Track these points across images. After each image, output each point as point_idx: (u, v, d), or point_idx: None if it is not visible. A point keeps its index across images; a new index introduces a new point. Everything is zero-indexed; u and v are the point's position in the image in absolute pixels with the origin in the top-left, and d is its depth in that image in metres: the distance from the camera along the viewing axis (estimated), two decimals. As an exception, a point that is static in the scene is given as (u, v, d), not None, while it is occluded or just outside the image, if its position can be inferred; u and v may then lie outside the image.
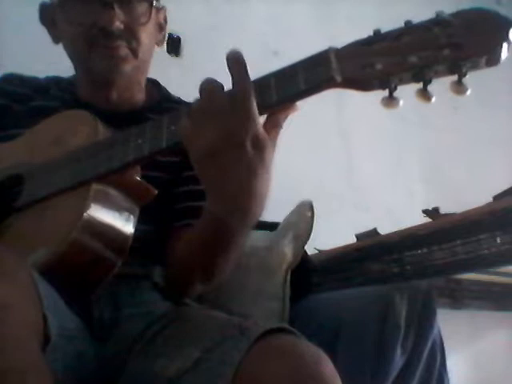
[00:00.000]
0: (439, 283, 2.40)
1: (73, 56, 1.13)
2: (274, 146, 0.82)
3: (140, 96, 1.17)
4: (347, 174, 2.57)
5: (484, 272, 2.35)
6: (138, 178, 0.93)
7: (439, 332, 1.30)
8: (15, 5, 1.88)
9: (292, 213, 1.54)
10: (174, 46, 2.27)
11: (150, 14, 1.10)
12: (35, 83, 1.19)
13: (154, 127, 0.87)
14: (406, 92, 0.73)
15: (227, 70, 0.80)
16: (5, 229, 0.95)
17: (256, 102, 0.77)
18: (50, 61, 1.25)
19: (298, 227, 1.50)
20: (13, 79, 1.19)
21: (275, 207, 1.41)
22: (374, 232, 1.89)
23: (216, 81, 0.79)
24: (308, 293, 1.48)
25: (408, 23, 0.75)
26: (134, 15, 1.09)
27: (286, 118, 0.83)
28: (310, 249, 1.68)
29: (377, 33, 0.76)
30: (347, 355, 1.20)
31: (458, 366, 2.24)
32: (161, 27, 1.19)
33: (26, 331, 0.67)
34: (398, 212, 2.43)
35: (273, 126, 0.82)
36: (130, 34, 1.08)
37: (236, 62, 0.78)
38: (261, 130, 0.78)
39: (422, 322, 1.25)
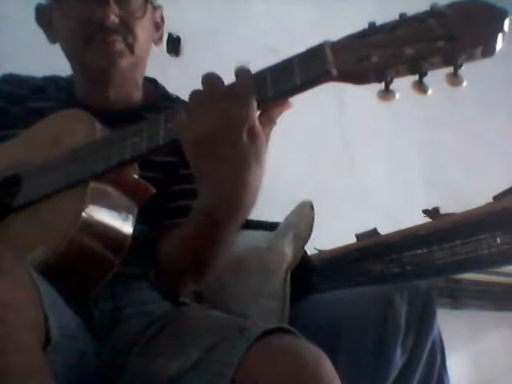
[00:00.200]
0: (439, 283, 2.40)
1: (69, 54, 1.14)
2: (267, 142, 0.83)
3: (137, 94, 1.17)
4: (347, 174, 2.57)
5: (484, 272, 2.35)
6: (136, 177, 0.93)
7: (439, 332, 1.30)
8: (13, 5, 1.88)
9: (292, 213, 1.54)
10: (174, 46, 2.27)
11: (145, 8, 1.11)
12: (32, 83, 1.19)
13: (150, 125, 0.87)
14: (406, 92, 0.73)
15: (227, 69, 0.80)
16: (3, 229, 0.95)
17: None
18: (47, 61, 1.25)
19: (299, 227, 1.50)
20: (10, 79, 1.19)
21: (275, 207, 1.42)
22: (374, 232, 1.89)
23: (217, 74, 0.81)
24: (308, 293, 1.47)
25: (403, 15, 0.75)
26: (129, 9, 1.09)
27: (280, 114, 0.83)
28: (310, 249, 1.68)
29: (372, 25, 0.76)
30: (347, 355, 1.20)
31: (457, 365, 2.23)
32: (157, 26, 1.20)
33: (27, 331, 0.67)
34: (398, 212, 2.43)
35: (267, 121, 0.82)
36: (126, 29, 1.08)
37: (241, 68, 0.81)
38: (257, 122, 0.80)
39: (422, 322, 1.25)
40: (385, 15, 0.78)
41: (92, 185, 0.89)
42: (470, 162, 2.85)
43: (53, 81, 1.21)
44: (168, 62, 2.21)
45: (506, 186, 1.62)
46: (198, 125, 0.80)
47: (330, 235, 1.85)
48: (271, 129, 0.84)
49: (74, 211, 0.88)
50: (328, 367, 0.75)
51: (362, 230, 1.92)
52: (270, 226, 1.54)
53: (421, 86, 0.72)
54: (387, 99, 0.73)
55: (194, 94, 0.82)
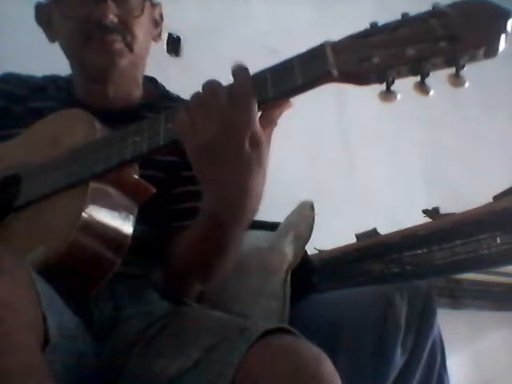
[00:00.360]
0: (439, 283, 2.40)
1: (68, 53, 1.14)
2: (268, 144, 0.82)
3: (137, 93, 1.17)
4: (347, 175, 2.57)
5: (484, 272, 2.35)
6: (137, 177, 0.93)
7: (439, 332, 1.30)
8: (13, 5, 1.88)
9: (293, 213, 1.54)
10: (174, 45, 2.27)
11: (144, 7, 1.11)
12: (32, 82, 1.19)
13: (151, 125, 0.87)
14: (408, 93, 0.73)
15: (226, 69, 0.80)
16: (3, 229, 0.95)
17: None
18: (47, 61, 1.25)
19: (299, 227, 1.50)
20: (10, 79, 1.19)
21: (276, 207, 1.42)
22: (374, 232, 1.89)
23: (218, 81, 0.80)
24: (308, 293, 1.47)
25: (405, 15, 0.74)
26: (128, 8, 1.09)
27: (280, 114, 0.83)
28: (310, 249, 1.68)
29: (373, 25, 0.75)
30: (347, 355, 1.20)
31: (458, 365, 2.23)
32: (156, 23, 1.20)
33: (26, 331, 0.67)
34: (398, 212, 2.43)
35: (267, 122, 0.82)
36: (125, 28, 1.08)
37: (238, 67, 0.80)
38: (258, 126, 0.79)
39: (422, 322, 1.25)
40: (385, 15, 0.78)
41: (92, 185, 0.89)
42: (471, 163, 2.85)
43: (52, 80, 1.21)
44: (168, 62, 2.21)
45: (506, 186, 1.62)
46: (199, 130, 0.79)
47: (330, 235, 1.85)
48: (272, 130, 0.83)
49: (75, 211, 0.88)
50: (328, 367, 0.75)
51: (362, 230, 1.92)
52: (271, 226, 1.54)
53: (422, 87, 0.71)
54: (389, 100, 0.73)
55: (195, 98, 0.81)
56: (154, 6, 1.17)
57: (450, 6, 0.72)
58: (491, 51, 0.68)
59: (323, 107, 2.35)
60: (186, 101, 0.83)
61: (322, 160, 2.48)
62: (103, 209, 0.90)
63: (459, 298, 2.54)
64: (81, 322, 0.86)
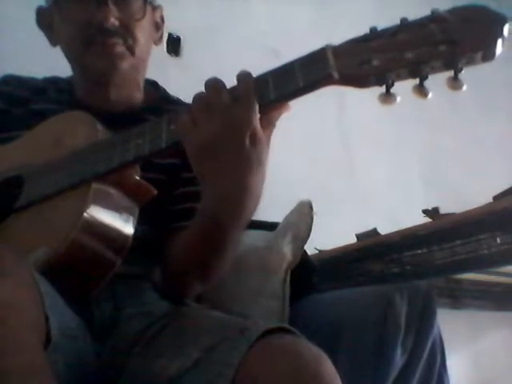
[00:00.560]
0: (439, 283, 2.40)
1: (70, 56, 1.14)
2: (268, 145, 0.83)
3: (138, 96, 1.18)
4: (347, 174, 2.57)
5: (484, 272, 2.35)
6: (138, 178, 0.93)
7: (439, 332, 1.30)
8: (14, 7, 1.88)
9: (291, 213, 1.54)
10: (174, 46, 2.28)
11: (145, 10, 1.11)
12: (33, 84, 1.19)
13: (153, 128, 0.88)
14: (407, 96, 0.73)
15: (226, 69, 0.80)
16: (5, 229, 0.95)
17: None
18: (48, 63, 1.25)
19: (298, 227, 1.50)
20: (10, 81, 1.19)
21: (275, 207, 1.42)
22: (374, 232, 1.89)
23: (220, 79, 0.82)
24: (308, 293, 1.47)
25: (404, 20, 0.75)
26: (129, 12, 1.09)
27: (279, 116, 0.84)
28: (310, 249, 1.68)
29: (373, 30, 0.76)
30: (347, 355, 1.20)
31: (458, 365, 2.23)
32: (157, 26, 1.20)
33: (28, 331, 0.67)
34: (398, 212, 2.43)
35: (267, 124, 0.83)
36: (126, 31, 1.08)
37: (242, 72, 0.81)
38: (258, 126, 0.80)
39: (422, 322, 1.25)
40: (385, 15, 0.79)
41: (94, 185, 0.90)
42: (470, 164, 2.86)
43: (52, 82, 1.21)
44: (168, 62, 2.21)
45: (505, 186, 1.62)
46: (200, 129, 0.80)
47: (330, 235, 1.86)
48: (271, 131, 0.84)
49: (76, 211, 0.88)
50: (328, 367, 0.75)
51: (362, 230, 1.93)
52: (270, 226, 1.54)
53: (421, 90, 0.72)
54: (388, 102, 0.74)
55: (197, 98, 0.82)
56: (155, 9, 1.17)
57: (449, 11, 0.74)
58: (488, 55, 0.70)
59: (324, 109, 2.35)
60: (187, 104, 0.84)
61: (323, 161, 2.49)
62: (105, 209, 0.90)
63: (459, 298, 2.54)
64: (82, 322, 0.87)
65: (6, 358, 0.63)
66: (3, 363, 0.62)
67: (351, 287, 1.74)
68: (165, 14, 1.22)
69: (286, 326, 0.82)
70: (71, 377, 0.78)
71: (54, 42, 1.17)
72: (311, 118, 2.26)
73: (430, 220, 1.82)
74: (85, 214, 0.87)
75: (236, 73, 0.82)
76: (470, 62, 0.71)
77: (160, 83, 1.27)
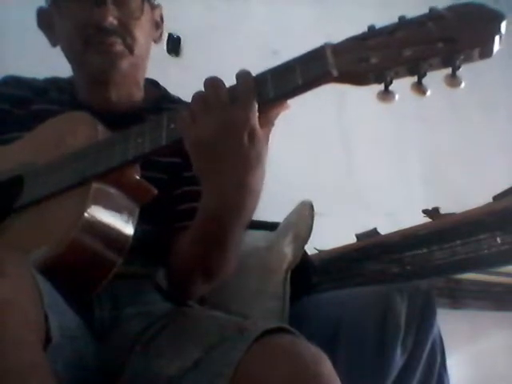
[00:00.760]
0: (439, 283, 2.40)
1: (70, 56, 1.14)
2: (267, 143, 0.84)
3: (138, 95, 1.18)
4: (347, 174, 2.57)
5: (484, 272, 2.35)
6: (138, 178, 0.93)
7: (439, 332, 1.30)
8: (16, 8, 1.88)
9: (292, 213, 1.54)
10: (174, 45, 2.28)
11: (143, 8, 1.11)
12: (33, 85, 1.19)
13: (153, 126, 0.88)
14: (406, 93, 0.73)
15: (226, 69, 0.80)
16: (5, 229, 0.95)
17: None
18: (50, 64, 1.25)
19: (298, 227, 1.50)
20: (12, 81, 1.19)
21: (275, 207, 1.42)
22: (374, 232, 1.89)
23: (220, 78, 0.82)
24: (308, 293, 1.47)
25: (402, 18, 0.76)
26: (127, 10, 1.09)
27: (277, 115, 0.84)
28: (310, 249, 1.68)
29: (371, 28, 0.77)
30: (347, 355, 1.20)
31: (458, 366, 2.23)
32: (157, 25, 1.20)
33: (27, 330, 0.67)
34: (398, 212, 2.43)
35: (265, 122, 0.83)
36: (125, 30, 1.08)
37: (242, 71, 0.82)
38: (257, 125, 0.81)
39: (422, 322, 1.25)
40: (385, 15, 0.79)
41: (94, 185, 0.90)
42: (469, 163, 2.86)
43: (53, 82, 1.21)
44: (168, 62, 2.21)
45: (505, 186, 1.62)
46: (199, 126, 0.81)
47: (330, 235, 1.86)
48: (270, 130, 0.85)
49: (76, 211, 0.88)
50: (328, 367, 0.75)
51: (362, 230, 1.92)
52: (270, 226, 1.54)
53: (420, 87, 0.73)
54: (387, 100, 0.74)
55: (196, 97, 0.83)
56: (153, 7, 1.17)
57: (447, 9, 0.74)
58: (486, 52, 0.71)
59: (323, 108, 2.36)
60: (187, 103, 0.85)
61: (322, 160, 2.49)
62: (105, 209, 0.91)
63: (459, 298, 2.54)
64: (82, 322, 0.87)
65: (6, 357, 0.63)
66: (3, 362, 0.63)
67: (351, 287, 1.74)
68: (165, 13, 1.22)
69: (286, 325, 0.82)
70: (71, 377, 0.78)
71: (54, 42, 1.17)
72: (311, 116, 2.26)
73: (430, 220, 1.82)
74: (85, 214, 0.87)
75: (236, 73, 0.82)
76: (468, 59, 0.71)
77: (160, 83, 1.27)
